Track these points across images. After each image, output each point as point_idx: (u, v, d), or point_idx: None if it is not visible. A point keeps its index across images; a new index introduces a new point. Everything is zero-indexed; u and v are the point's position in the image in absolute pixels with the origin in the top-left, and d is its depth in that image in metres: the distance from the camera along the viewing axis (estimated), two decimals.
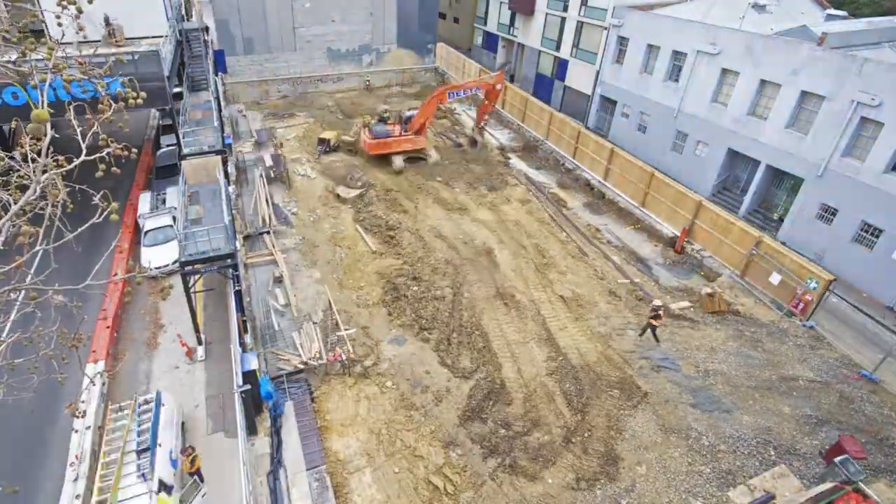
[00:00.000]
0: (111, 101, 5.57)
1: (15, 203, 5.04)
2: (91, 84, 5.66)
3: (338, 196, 29.73)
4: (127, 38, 23.79)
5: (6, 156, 5.47)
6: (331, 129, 36.65)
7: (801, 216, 26.08)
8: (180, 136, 23.31)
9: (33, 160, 5.05)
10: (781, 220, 27.58)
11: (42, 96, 5.06)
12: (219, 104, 29.27)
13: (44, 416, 16.32)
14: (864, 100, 22.57)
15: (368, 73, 46.50)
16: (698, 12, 33.48)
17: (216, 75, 33.88)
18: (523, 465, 16.30)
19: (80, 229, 5.48)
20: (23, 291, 5.49)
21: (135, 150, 5.71)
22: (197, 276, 18.46)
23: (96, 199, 5.45)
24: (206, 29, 33.23)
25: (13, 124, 4.86)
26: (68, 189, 5.46)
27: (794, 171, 26.40)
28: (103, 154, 5.33)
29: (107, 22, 22.81)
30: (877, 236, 23.18)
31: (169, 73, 22.51)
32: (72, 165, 5.29)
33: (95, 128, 5.44)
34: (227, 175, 23.80)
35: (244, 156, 33.09)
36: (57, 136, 5.35)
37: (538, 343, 20.85)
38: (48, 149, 5.00)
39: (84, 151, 5.32)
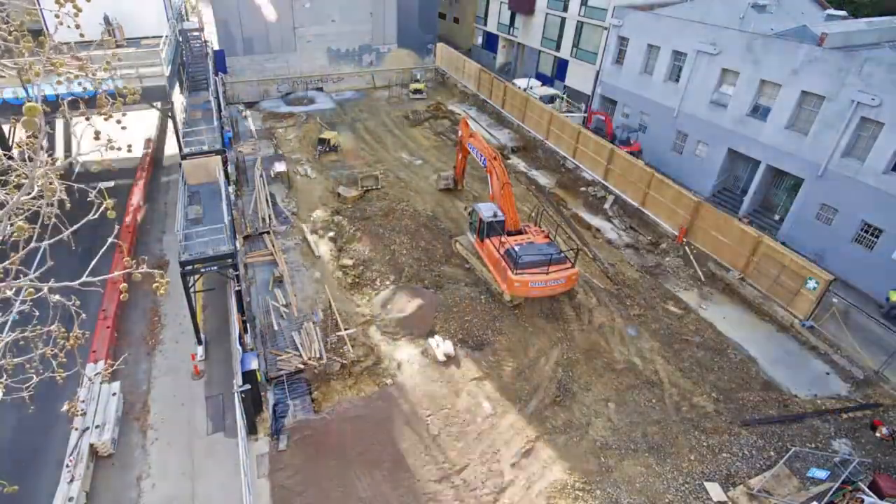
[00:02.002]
0: (109, 98, 5.56)
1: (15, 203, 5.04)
2: (84, 83, 5.67)
3: (338, 195, 29.73)
4: (127, 38, 23.80)
5: (4, 155, 5.46)
6: (330, 130, 36.64)
7: (800, 216, 26.08)
8: (180, 136, 23.34)
9: (30, 158, 5.05)
10: (781, 220, 27.58)
11: (36, 90, 5.05)
12: (219, 104, 29.29)
13: (43, 415, 16.32)
14: (864, 100, 22.57)
15: (368, 73, 46.50)
16: (698, 12, 33.48)
17: (216, 75, 33.88)
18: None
19: (75, 226, 5.49)
20: (22, 291, 5.48)
21: (130, 145, 5.71)
22: (197, 276, 18.47)
23: (92, 196, 5.44)
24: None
25: (12, 122, 4.86)
26: (65, 186, 5.46)
27: (794, 171, 26.40)
28: (98, 150, 5.32)
29: (107, 22, 22.83)
30: (877, 236, 23.17)
31: (169, 73, 22.53)
32: (67, 161, 5.28)
33: (90, 122, 5.43)
34: (227, 175, 23.81)
35: (244, 156, 33.09)
36: (50, 131, 5.35)
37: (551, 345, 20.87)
38: (43, 146, 5.00)
39: (79, 148, 5.32)
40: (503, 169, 23.91)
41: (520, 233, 23.48)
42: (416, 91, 45.37)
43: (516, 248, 21.68)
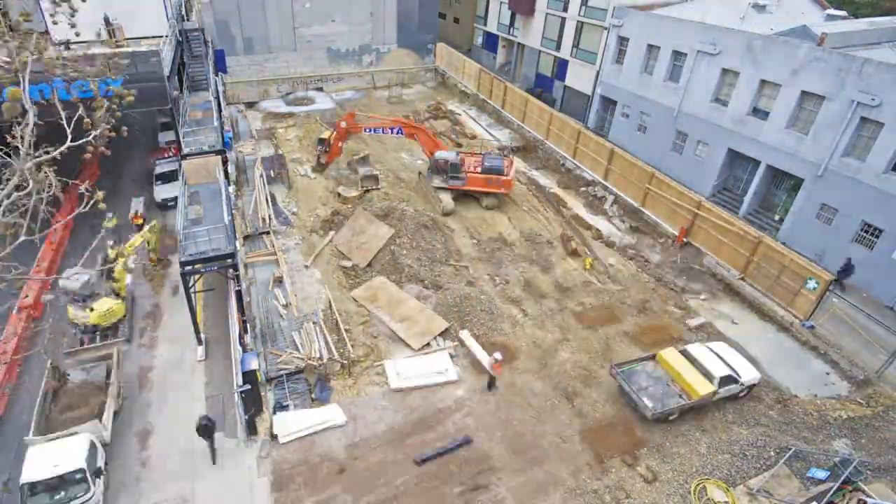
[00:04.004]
0: (105, 99, 5.54)
1: (5, 196, 5.01)
2: (85, 82, 5.67)
3: (339, 195, 29.71)
4: (127, 38, 23.78)
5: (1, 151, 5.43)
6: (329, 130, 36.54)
7: (801, 216, 26.07)
8: (180, 136, 23.33)
9: (17, 150, 5.03)
10: (782, 220, 27.57)
11: (24, 81, 5.01)
12: (219, 104, 29.26)
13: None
14: (864, 100, 22.56)
15: (368, 73, 46.47)
16: (698, 12, 33.46)
17: (216, 75, 33.85)
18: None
19: (67, 218, 5.49)
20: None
21: (125, 127, 5.68)
22: (197, 276, 18.46)
23: (82, 189, 5.42)
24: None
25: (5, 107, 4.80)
26: (61, 182, 5.43)
27: (794, 171, 26.39)
28: (90, 138, 5.29)
29: (107, 22, 22.79)
30: (877, 236, 23.16)
31: (169, 73, 22.51)
32: (56, 152, 5.26)
33: (80, 111, 5.42)
34: (227, 175, 23.79)
35: (244, 156, 33.08)
36: (40, 122, 5.31)
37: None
38: (32, 133, 4.97)
39: (69, 137, 5.29)
40: (420, 126, 29.32)
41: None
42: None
43: (490, 164, 28.76)
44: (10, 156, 5.40)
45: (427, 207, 28.75)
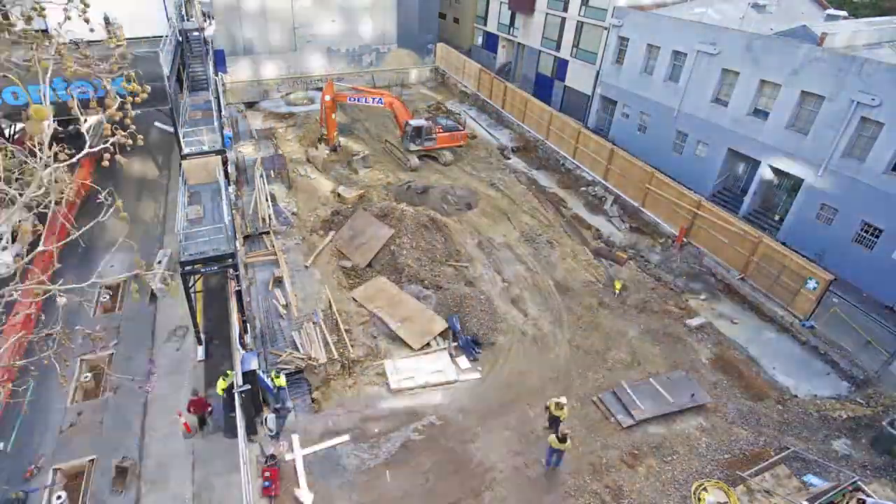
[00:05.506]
0: (117, 96, 5.52)
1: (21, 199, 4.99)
2: (95, 83, 5.66)
3: (339, 196, 29.72)
4: (127, 38, 23.75)
5: (15, 150, 5.40)
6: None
7: (801, 216, 26.08)
8: (180, 136, 23.31)
9: (35, 154, 5.00)
10: (782, 220, 27.57)
11: (45, 88, 4.98)
12: (219, 104, 29.25)
13: (41, 417, 16.34)
14: (864, 100, 22.56)
15: (368, 73, 46.48)
16: (698, 12, 33.47)
17: (216, 75, 33.84)
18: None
19: (84, 228, 5.48)
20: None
21: (141, 136, 5.65)
22: (197, 276, 18.47)
23: (101, 197, 5.41)
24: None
25: (24, 117, 4.75)
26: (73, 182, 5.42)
27: (794, 172, 26.40)
28: (107, 144, 5.27)
29: (107, 22, 22.78)
30: (877, 236, 23.17)
31: (169, 73, 22.49)
32: (75, 159, 5.24)
33: (100, 117, 5.43)
34: (227, 175, 23.79)
35: (244, 156, 33.09)
36: (59, 128, 5.31)
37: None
38: (51, 143, 4.95)
39: (88, 143, 5.27)
40: (397, 97, 33.80)
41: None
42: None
43: (448, 124, 34.98)
44: (26, 155, 5.38)
45: (393, 167, 33.72)
